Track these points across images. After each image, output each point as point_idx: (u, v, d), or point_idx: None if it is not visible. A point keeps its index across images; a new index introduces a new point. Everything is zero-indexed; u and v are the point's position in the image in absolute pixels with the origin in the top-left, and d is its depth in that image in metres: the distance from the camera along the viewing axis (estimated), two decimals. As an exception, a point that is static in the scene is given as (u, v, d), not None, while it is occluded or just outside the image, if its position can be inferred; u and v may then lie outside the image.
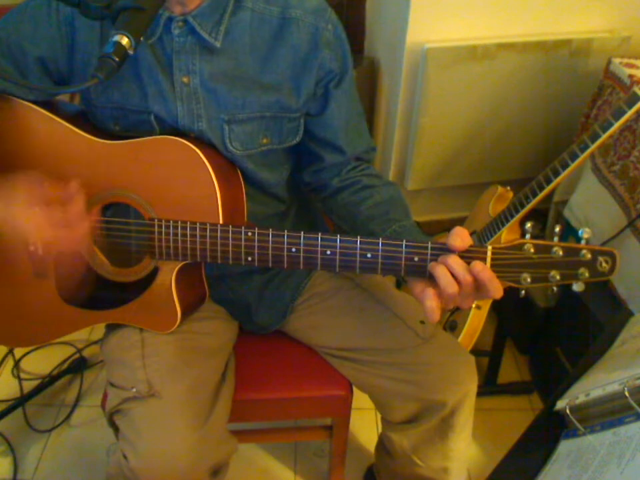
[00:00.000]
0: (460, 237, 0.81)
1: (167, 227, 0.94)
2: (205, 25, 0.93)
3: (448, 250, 0.82)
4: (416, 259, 0.84)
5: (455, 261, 0.80)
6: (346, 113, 1.06)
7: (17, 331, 1.09)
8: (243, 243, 0.91)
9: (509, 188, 1.59)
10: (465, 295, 0.82)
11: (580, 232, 0.79)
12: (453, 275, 0.81)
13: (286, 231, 0.89)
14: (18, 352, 1.75)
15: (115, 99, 0.99)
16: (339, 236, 0.87)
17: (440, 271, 0.81)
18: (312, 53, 0.98)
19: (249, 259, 0.91)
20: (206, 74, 0.96)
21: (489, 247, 0.81)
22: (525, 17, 1.64)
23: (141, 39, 0.80)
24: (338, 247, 0.87)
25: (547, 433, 0.98)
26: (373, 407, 1.19)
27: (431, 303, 0.82)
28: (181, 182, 0.94)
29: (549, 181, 1.29)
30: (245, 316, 1.18)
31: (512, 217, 1.38)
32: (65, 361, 1.76)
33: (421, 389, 1.07)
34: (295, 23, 0.97)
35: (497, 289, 0.80)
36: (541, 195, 1.31)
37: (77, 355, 1.78)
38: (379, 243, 0.85)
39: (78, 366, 1.76)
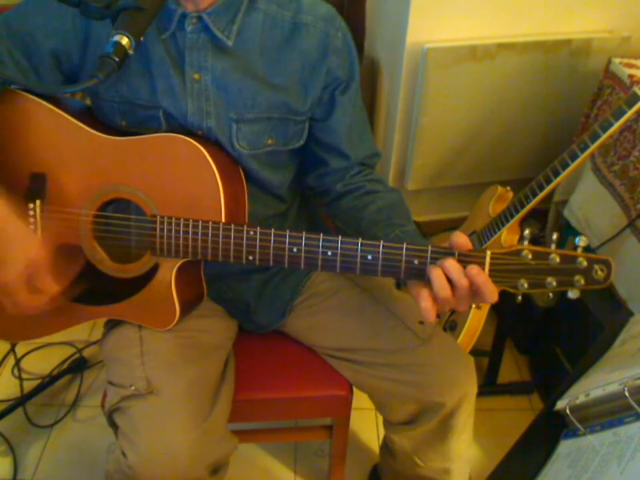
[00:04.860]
0: (462, 237, 0.83)
1: (169, 224, 0.94)
2: (218, 23, 0.94)
3: (448, 254, 0.83)
4: (416, 261, 0.84)
5: (451, 264, 0.81)
6: (351, 119, 1.07)
7: (14, 324, 1.09)
8: (244, 242, 0.91)
9: (509, 188, 1.59)
10: (459, 298, 0.82)
11: (577, 240, 0.80)
12: (448, 278, 0.82)
13: (288, 231, 0.89)
14: (18, 351, 1.75)
15: (123, 93, 0.99)
16: (340, 237, 0.87)
17: (435, 274, 0.82)
18: (320, 59, 1.00)
19: (250, 257, 0.91)
20: (217, 71, 0.97)
21: (488, 252, 0.82)
22: (524, 16, 1.64)
23: (141, 38, 0.80)
24: (339, 249, 0.87)
25: (547, 432, 0.98)
26: (373, 406, 1.19)
27: (426, 303, 0.84)
28: (184, 180, 0.94)
29: (548, 181, 1.29)
30: (244, 315, 1.18)
31: (512, 216, 1.38)
32: (65, 360, 1.76)
33: (419, 390, 1.07)
34: (306, 28, 0.98)
35: (492, 293, 0.81)
36: (541, 195, 1.32)
37: (77, 355, 1.78)
38: (379, 245, 0.85)
39: (78, 366, 1.76)
